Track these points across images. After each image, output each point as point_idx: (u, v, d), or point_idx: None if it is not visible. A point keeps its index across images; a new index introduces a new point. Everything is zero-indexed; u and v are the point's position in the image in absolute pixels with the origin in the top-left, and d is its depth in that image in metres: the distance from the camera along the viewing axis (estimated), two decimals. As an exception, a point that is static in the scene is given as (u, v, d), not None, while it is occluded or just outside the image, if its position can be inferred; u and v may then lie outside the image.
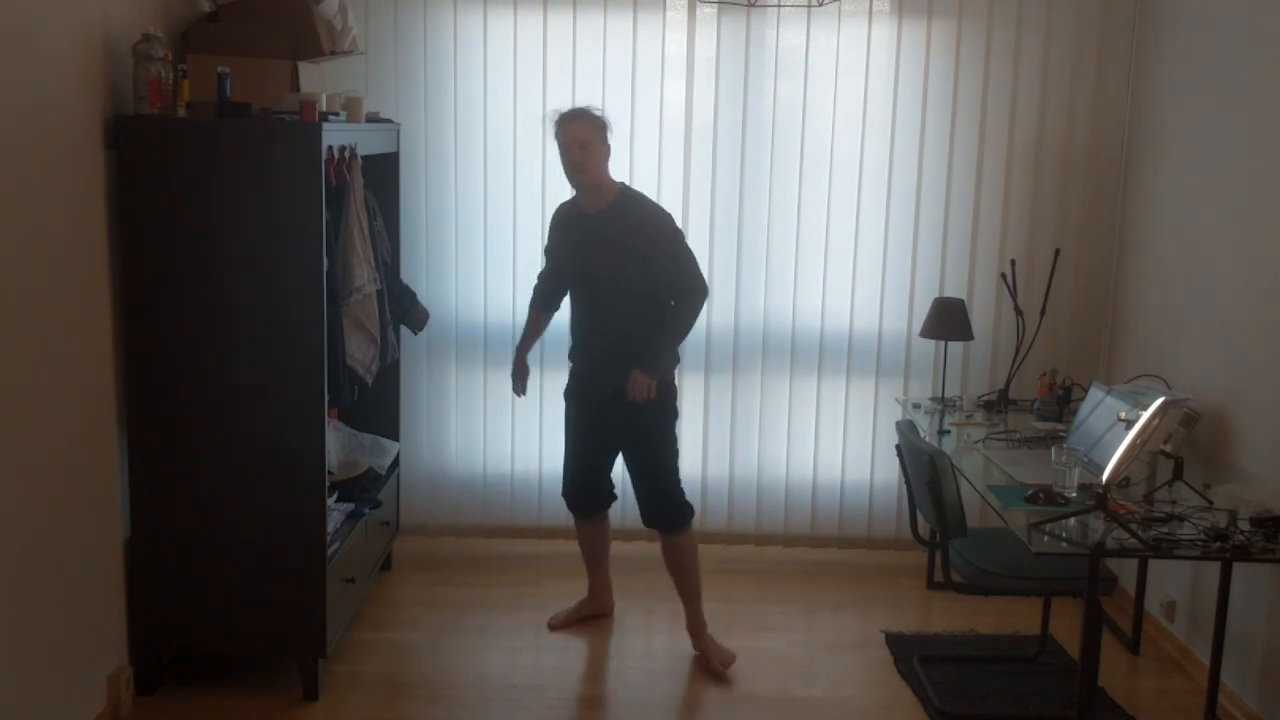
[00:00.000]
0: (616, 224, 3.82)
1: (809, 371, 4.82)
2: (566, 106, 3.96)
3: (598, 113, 3.84)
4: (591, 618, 4.27)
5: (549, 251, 4.10)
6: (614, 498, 4.21)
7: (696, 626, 4.00)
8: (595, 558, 4.27)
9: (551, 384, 4.76)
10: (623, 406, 3.81)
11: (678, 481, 3.97)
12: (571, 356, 4.04)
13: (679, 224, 4.02)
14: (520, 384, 4.19)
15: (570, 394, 4.09)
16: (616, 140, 4.64)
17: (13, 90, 2.83)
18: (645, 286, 3.79)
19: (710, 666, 3.91)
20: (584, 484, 4.12)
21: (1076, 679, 3.29)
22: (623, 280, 3.79)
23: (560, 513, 4.85)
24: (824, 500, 4.91)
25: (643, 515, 3.99)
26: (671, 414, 3.95)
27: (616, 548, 4.82)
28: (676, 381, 4.07)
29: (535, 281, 4.23)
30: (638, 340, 3.80)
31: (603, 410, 3.93)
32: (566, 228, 3.98)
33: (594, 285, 3.88)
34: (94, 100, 3.26)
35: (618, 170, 4.64)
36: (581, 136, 3.77)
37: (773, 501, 4.91)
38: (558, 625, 4.21)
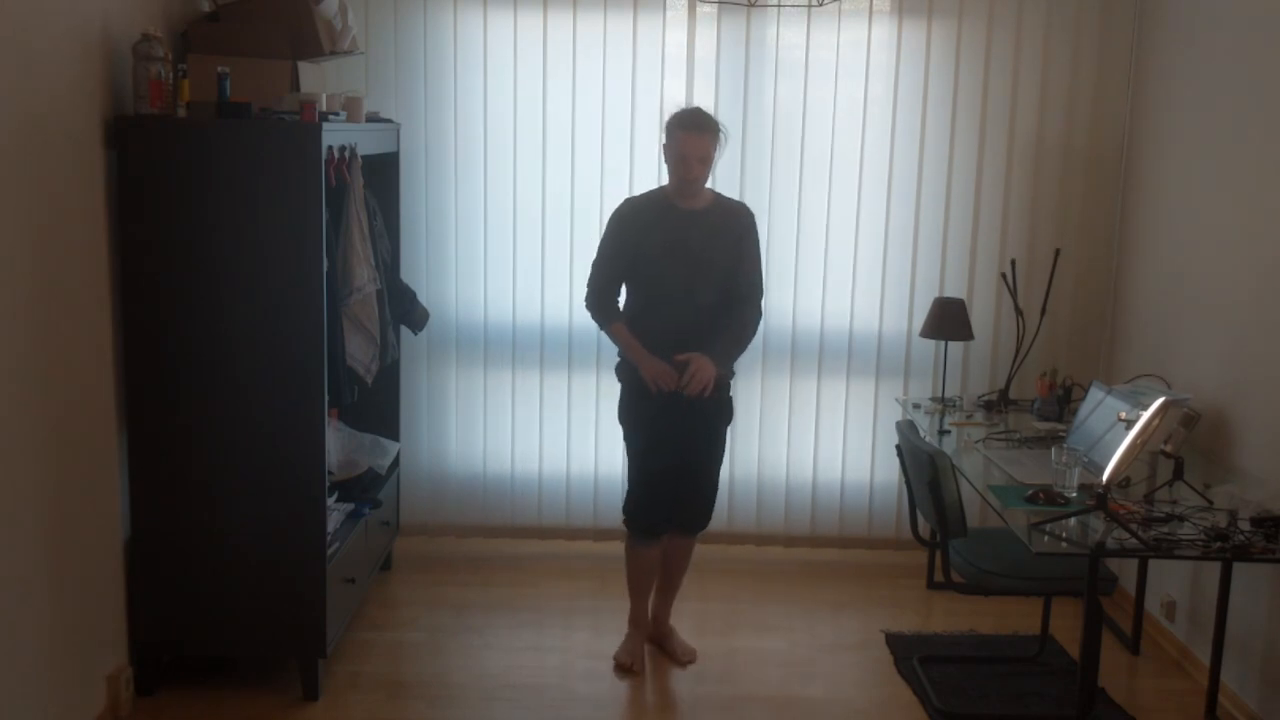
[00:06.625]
0: (723, 221, 3.73)
1: (809, 371, 4.82)
2: (684, 105, 3.86)
3: (719, 125, 3.65)
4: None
5: (630, 246, 3.71)
6: None
7: (667, 619, 4.07)
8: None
9: (549, 383, 4.78)
10: (694, 404, 3.66)
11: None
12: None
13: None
14: (671, 378, 3.65)
15: (643, 393, 3.74)
16: (619, 142, 4.67)
17: (13, 90, 2.83)
18: (725, 288, 3.72)
19: (677, 658, 3.97)
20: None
21: (1076, 679, 3.29)
22: (714, 276, 3.68)
23: (559, 512, 4.87)
24: (824, 500, 4.91)
25: (690, 518, 3.92)
26: (728, 418, 3.94)
27: (611, 548, 4.81)
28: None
29: (598, 291, 3.79)
30: (707, 340, 3.68)
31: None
32: (658, 222, 3.70)
33: (688, 277, 3.66)
34: (94, 100, 3.26)
35: (620, 170, 4.68)
36: (706, 153, 3.62)
37: (773, 501, 4.90)
38: (638, 667, 3.95)
